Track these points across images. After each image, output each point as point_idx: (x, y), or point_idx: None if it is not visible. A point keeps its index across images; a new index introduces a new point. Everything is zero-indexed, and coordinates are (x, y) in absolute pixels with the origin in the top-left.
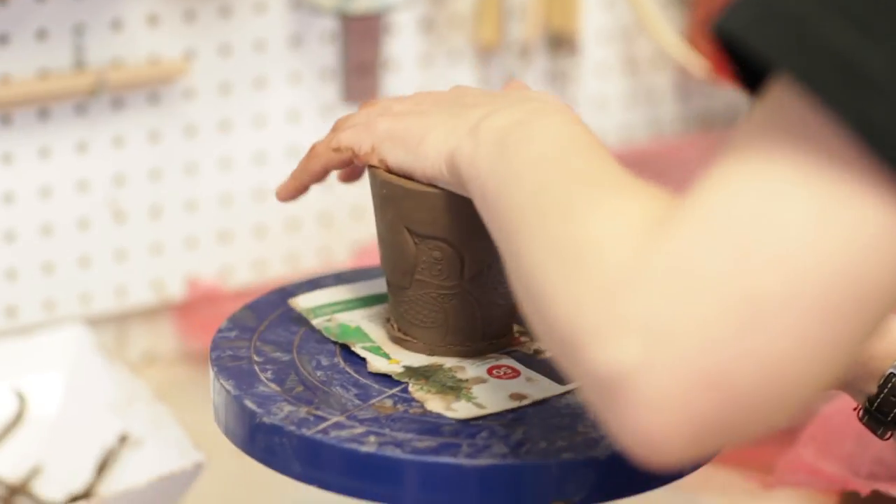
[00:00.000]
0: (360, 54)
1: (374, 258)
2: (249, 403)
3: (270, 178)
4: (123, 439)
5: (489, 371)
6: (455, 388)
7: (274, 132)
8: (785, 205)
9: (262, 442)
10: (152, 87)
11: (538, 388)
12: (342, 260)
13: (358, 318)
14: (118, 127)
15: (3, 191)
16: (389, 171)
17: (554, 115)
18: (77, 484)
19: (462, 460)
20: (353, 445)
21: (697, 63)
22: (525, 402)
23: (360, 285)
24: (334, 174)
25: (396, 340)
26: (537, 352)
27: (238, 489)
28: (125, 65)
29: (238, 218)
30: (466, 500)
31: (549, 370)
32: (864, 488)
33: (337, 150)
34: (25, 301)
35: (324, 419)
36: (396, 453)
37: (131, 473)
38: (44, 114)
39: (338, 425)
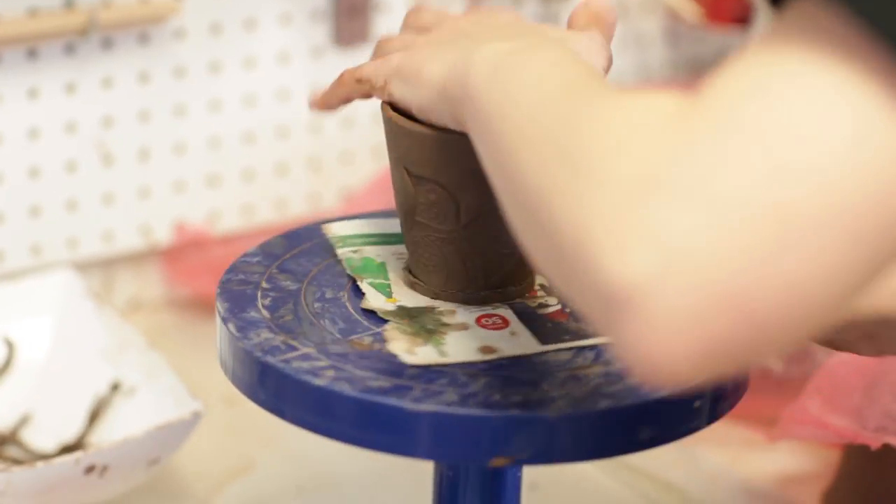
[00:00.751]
0: None
1: (362, 204)
2: (231, 327)
3: (259, 121)
4: (115, 387)
5: (478, 319)
6: (430, 332)
7: (264, 74)
8: (823, 117)
9: (235, 366)
10: (142, 26)
11: (516, 343)
12: (331, 205)
13: (387, 254)
14: (107, 68)
15: None
16: (396, 107)
17: (553, 48)
18: (68, 433)
19: (406, 404)
20: (308, 377)
21: (688, 8)
22: (492, 356)
23: None
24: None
25: (409, 282)
26: (543, 305)
27: (232, 437)
28: (115, 4)
29: (227, 162)
30: (407, 444)
31: (540, 326)
32: (874, 441)
33: (359, 81)
34: (12, 245)
35: (294, 349)
36: (344, 389)
37: (124, 422)
38: (32, 54)
39: (304, 356)
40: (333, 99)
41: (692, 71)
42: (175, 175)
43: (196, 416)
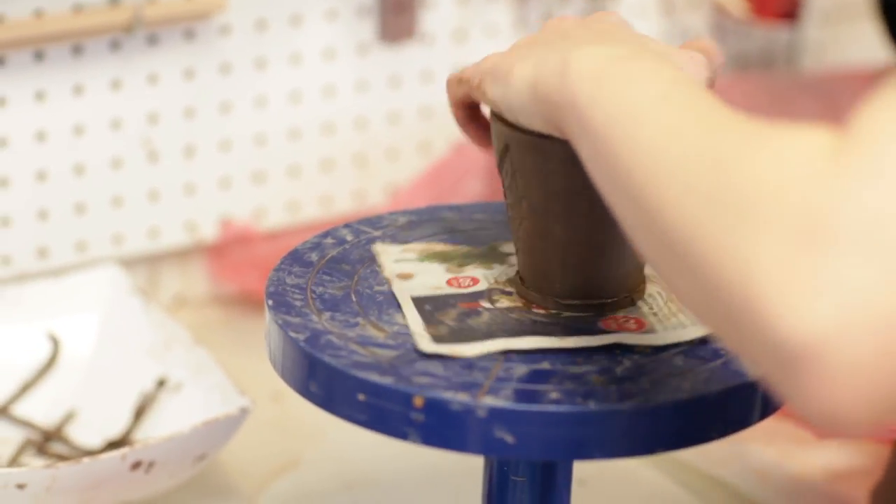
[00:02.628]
0: None
1: (408, 201)
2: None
3: (305, 117)
4: (161, 383)
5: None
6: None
7: (309, 70)
8: None
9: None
10: (188, 23)
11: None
12: (377, 202)
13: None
14: (153, 64)
15: (35, 129)
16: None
17: (657, 58)
18: (114, 429)
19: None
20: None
21: (735, 3)
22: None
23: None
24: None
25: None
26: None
27: (277, 434)
28: (160, 0)
29: (272, 158)
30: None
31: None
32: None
33: (460, 81)
34: (57, 242)
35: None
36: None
37: (170, 419)
38: (78, 50)
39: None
40: (455, 110)
41: (739, 66)
42: (220, 171)
43: (243, 413)
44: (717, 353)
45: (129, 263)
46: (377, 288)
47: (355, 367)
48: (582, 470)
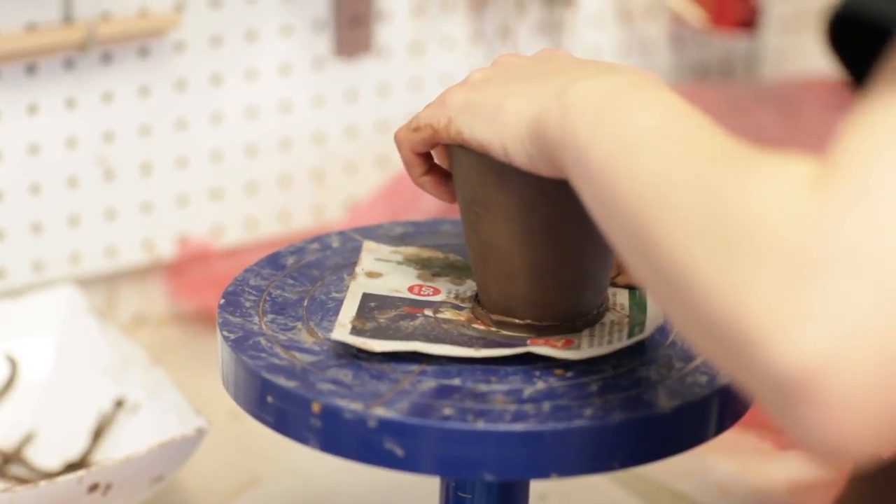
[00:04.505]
0: (352, 5)
1: (367, 216)
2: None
3: (262, 133)
4: (119, 404)
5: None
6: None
7: (265, 86)
8: None
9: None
10: (142, 40)
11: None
12: (336, 217)
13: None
14: (107, 82)
15: None
16: (464, 146)
17: (653, 89)
18: (72, 450)
19: (267, 373)
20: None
21: (692, 12)
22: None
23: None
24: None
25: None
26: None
27: (236, 453)
28: (115, 18)
29: (229, 175)
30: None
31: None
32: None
33: (416, 129)
34: (14, 262)
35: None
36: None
37: (128, 439)
38: (31, 69)
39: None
40: (409, 167)
41: (697, 75)
42: (178, 189)
43: (200, 433)
44: (636, 383)
45: (87, 283)
46: (334, 294)
47: (267, 370)
48: (542, 485)
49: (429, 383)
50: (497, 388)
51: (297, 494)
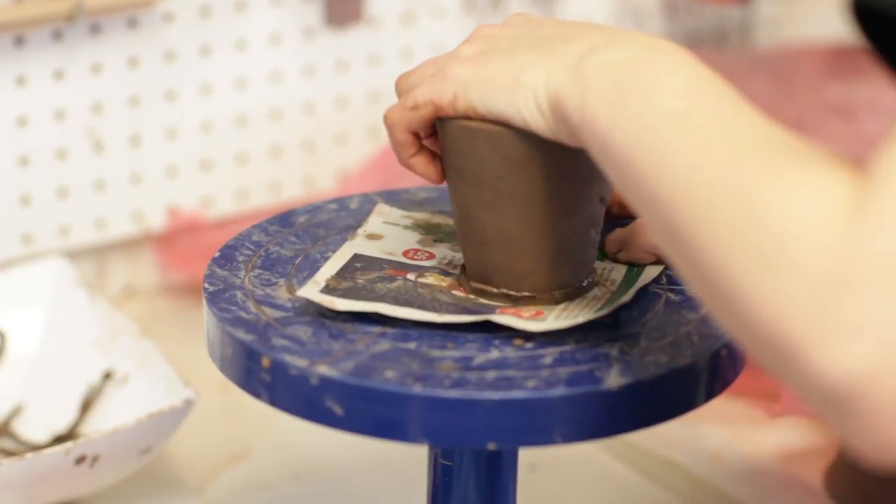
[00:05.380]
0: None
1: (357, 186)
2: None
3: (252, 104)
4: (108, 376)
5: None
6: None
7: (255, 56)
8: None
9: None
10: (131, 11)
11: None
12: (326, 187)
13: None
14: (96, 53)
15: None
16: (470, 118)
17: (669, 56)
18: (61, 423)
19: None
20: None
21: None
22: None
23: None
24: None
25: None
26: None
27: (226, 425)
28: None
29: (219, 146)
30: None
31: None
32: None
33: (414, 107)
34: (2, 235)
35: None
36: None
37: (117, 412)
38: (20, 41)
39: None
40: (399, 150)
41: (690, 44)
42: (167, 160)
43: (188, 404)
44: (594, 358)
45: (77, 255)
46: (329, 254)
47: (231, 323)
48: (533, 455)
49: (383, 346)
50: (450, 354)
51: (287, 466)
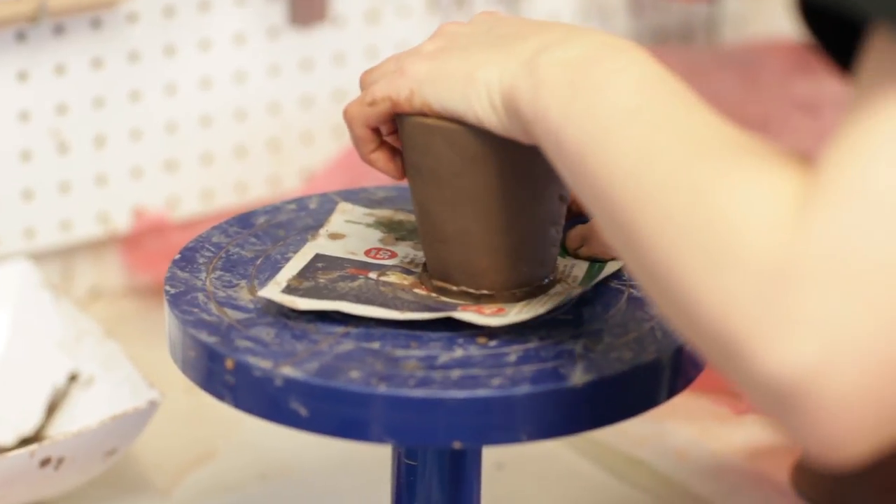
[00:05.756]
0: None
1: (323, 185)
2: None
3: (217, 104)
4: (73, 378)
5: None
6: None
7: (219, 56)
8: None
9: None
10: (94, 11)
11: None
12: (292, 187)
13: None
14: (60, 54)
15: None
16: (426, 115)
17: (624, 53)
18: (26, 425)
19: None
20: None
21: None
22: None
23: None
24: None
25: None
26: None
27: (192, 426)
28: None
29: (184, 146)
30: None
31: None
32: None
33: (372, 103)
34: None
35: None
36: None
37: (83, 413)
38: None
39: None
40: (359, 145)
41: (656, 40)
42: (132, 161)
43: (152, 406)
44: (558, 355)
45: (42, 257)
46: (290, 254)
47: (194, 325)
48: (500, 454)
49: (347, 346)
50: (414, 353)
51: (252, 467)
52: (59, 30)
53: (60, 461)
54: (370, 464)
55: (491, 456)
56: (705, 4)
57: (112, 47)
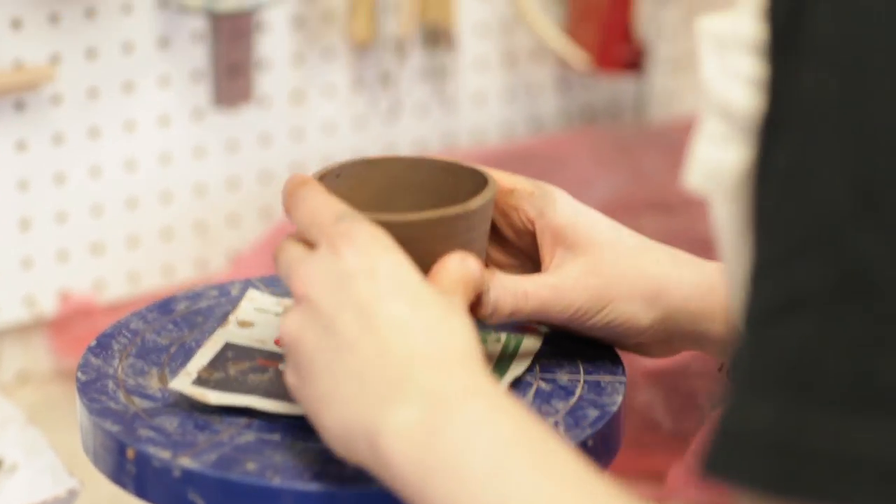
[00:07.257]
0: (230, 54)
1: (250, 267)
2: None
3: (142, 186)
4: None
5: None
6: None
7: (144, 138)
8: None
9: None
10: (17, 94)
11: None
12: (219, 269)
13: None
14: None
15: None
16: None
17: (475, 411)
18: None
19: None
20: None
21: (577, 56)
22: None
23: None
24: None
25: None
26: None
27: None
28: None
29: (110, 228)
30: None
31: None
32: None
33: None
34: None
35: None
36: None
37: (7, 500)
38: None
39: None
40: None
41: (584, 119)
42: (58, 244)
43: (72, 494)
44: None
45: None
46: (205, 342)
47: (100, 414)
48: None
49: (248, 437)
50: (314, 445)
51: None
52: None
53: None
54: None
55: None
56: (632, 81)
57: (36, 130)
